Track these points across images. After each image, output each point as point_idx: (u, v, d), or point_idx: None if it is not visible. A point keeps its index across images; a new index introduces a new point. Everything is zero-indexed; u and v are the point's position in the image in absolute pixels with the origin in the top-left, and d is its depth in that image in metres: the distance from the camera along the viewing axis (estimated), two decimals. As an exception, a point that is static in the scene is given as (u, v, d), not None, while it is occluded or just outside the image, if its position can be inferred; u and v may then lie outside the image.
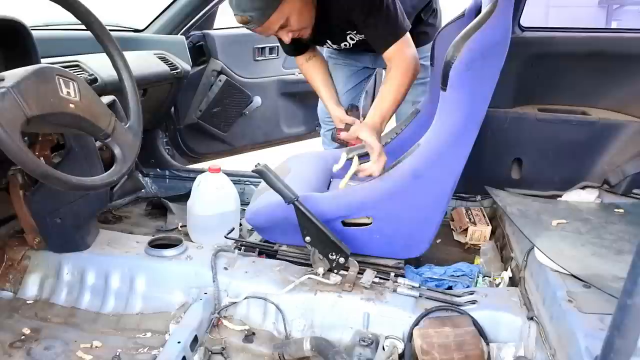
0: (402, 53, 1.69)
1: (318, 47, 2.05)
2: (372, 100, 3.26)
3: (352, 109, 1.99)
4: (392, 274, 1.47)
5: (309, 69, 2.02)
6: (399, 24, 1.68)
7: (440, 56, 1.70)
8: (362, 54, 2.10)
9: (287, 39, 1.71)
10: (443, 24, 1.89)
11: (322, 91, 2.00)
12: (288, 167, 1.88)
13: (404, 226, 1.52)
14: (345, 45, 1.94)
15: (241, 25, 1.63)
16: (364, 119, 1.95)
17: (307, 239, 1.43)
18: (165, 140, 2.64)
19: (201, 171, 2.59)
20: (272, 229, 1.64)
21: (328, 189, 1.83)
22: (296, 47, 1.94)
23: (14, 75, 1.02)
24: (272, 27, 1.64)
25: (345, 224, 1.52)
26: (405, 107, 2.15)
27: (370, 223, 1.51)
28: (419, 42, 2.02)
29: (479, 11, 1.53)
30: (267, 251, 1.68)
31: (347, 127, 1.92)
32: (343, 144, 1.92)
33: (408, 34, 1.71)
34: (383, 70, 2.23)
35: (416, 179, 1.43)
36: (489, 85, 1.38)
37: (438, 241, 1.95)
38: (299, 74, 2.84)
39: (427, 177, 1.42)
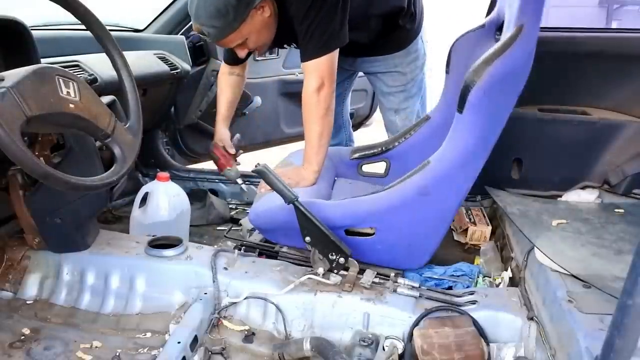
0: (318, 71, 1.62)
1: None
2: (372, 101, 3.28)
3: (238, 141, 2.03)
4: (392, 274, 1.47)
5: (225, 81, 2.02)
6: (331, 40, 1.63)
7: (456, 65, 1.69)
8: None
9: (242, 54, 1.74)
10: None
11: (221, 107, 2.03)
12: (291, 162, 1.88)
13: (407, 239, 1.53)
14: None
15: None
16: (235, 155, 1.99)
17: (307, 239, 1.43)
18: (165, 140, 2.64)
19: (201, 171, 2.60)
20: (275, 230, 1.64)
21: (332, 188, 1.83)
22: (236, 58, 1.89)
23: (13, 75, 1.02)
24: (228, 44, 1.67)
25: (347, 232, 1.52)
26: (388, 114, 2.17)
27: (374, 234, 1.51)
28: (392, 48, 2.02)
29: (501, 25, 1.52)
30: (267, 252, 1.68)
31: (222, 147, 1.97)
32: (214, 158, 1.97)
33: (336, 51, 1.65)
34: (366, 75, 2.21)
35: (423, 196, 1.43)
36: (505, 110, 1.37)
37: (438, 241, 1.94)
38: (299, 74, 2.84)
39: (435, 195, 1.43)
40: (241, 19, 1.57)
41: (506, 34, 1.32)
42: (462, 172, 1.40)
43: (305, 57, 1.65)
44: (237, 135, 2.07)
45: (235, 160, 2.02)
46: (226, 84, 2.03)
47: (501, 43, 1.28)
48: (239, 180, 1.99)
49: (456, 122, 1.38)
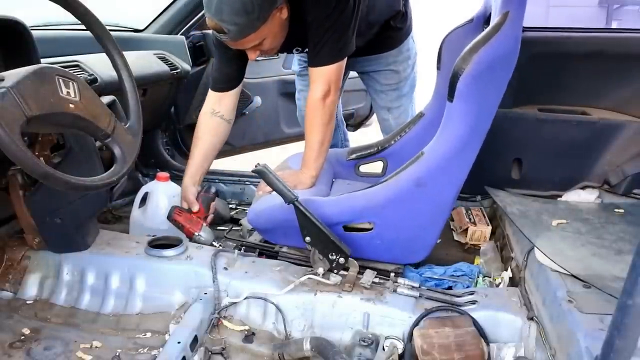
0: (326, 78, 1.62)
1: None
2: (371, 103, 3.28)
3: (208, 191, 1.81)
4: (392, 274, 1.47)
5: (204, 125, 1.81)
6: (344, 48, 1.64)
7: (447, 60, 1.70)
8: None
9: (253, 56, 1.67)
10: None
11: (193, 158, 1.80)
12: (288, 166, 1.88)
13: (405, 233, 1.52)
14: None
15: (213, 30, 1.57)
16: (202, 214, 1.76)
17: (307, 239, 1.43)
18: (165, 140, 2.64)
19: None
20: (274, 230, 1.64)
21: (330, 189, 1.83)
22: (229, 79, 1.82)
23: (14, 75, 1.02)
24: (245, 45, 1.59)
25: (346, 228, 1.52)
26: (381, 112, 2.16)
27: (372, 229, 1.51)
28: (385, 47, 2.02)
29: (488, 17, 1.53)
30: (267, 252, 1.68)
31: (188, 210, 1.73)
32: (178, 226, 1.71)
33: (345, 59, 1.66)
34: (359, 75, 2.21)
35: (419, 187, 1.43)
36: (495, 97, 1.37)
37: (438, 241, 1.93)
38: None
39: (430, 186, 1.43)
40: (263, 18, 1.51)
41: (493, 21, 1.32)
42: (456, 160, 1.40)
43: (315, 63, 1.64)
44: (213, 189, 1.83)
45: (206, 219, 1.78)
46: (205, 130, 1.80)
47: (488, 30, 1.29)
48: (215, 243, 1.69)
49: (447, 111, 1.38)
